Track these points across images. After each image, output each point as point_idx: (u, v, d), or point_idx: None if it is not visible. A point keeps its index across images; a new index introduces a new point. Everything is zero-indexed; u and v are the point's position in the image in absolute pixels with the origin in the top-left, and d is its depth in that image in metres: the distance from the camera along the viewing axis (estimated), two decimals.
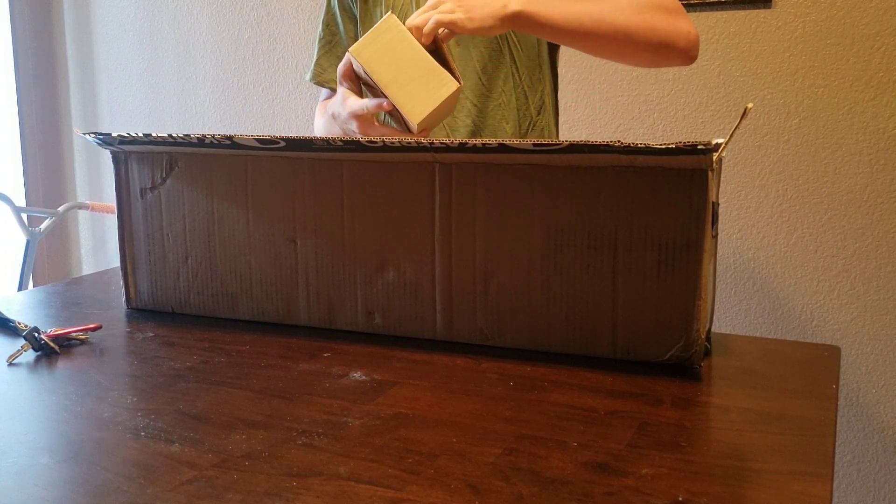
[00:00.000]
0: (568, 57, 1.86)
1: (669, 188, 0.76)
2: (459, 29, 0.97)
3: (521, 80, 1.21)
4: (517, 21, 1.00)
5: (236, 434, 0.64)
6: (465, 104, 1.20)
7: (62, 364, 0.82)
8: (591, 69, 1.91)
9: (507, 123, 1.20)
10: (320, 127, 1.27)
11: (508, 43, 1.20)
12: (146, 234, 1.00)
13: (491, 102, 1.19)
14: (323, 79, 1.31)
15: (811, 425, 0.66)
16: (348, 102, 1.04)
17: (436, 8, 0.98)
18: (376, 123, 1.05)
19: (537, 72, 1.22)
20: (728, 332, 1.38)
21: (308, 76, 1.35)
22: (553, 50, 1.25)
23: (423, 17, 0.97)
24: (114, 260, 2.65)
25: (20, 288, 2.32)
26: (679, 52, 1.10)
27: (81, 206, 2.35)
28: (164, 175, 0.98)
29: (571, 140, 0.77)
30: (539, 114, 1.23)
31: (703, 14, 1.80)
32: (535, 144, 0.78)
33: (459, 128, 1.21)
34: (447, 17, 0.96)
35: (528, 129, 1.23)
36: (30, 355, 0.85)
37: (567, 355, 0.82)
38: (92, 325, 0.92)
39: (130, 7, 2.51)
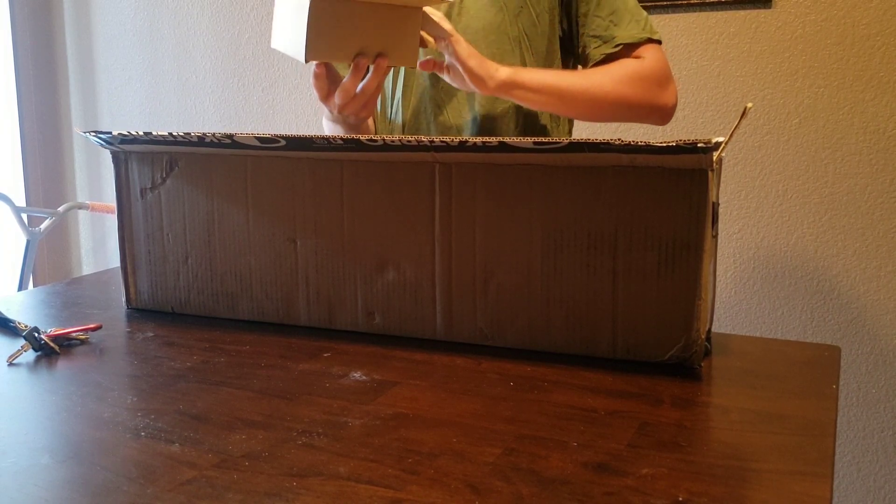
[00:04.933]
0: None
1: (669, 188, 0.76)
2: (465, 83, 1.05)
3: None
4: (503, 88, 1.06)
5: (236, 434, 0.64)
6: (473, 104, 1.20)
7: (62, 364, 0.82)
8: None
9: (516, 128, 1.21)
10: (327, 130, 1.27)
11: (521, 46, 1.19)
12: (146, 234, 1.00)
13: (499, 103, 1.19)
14: None
15: (811, 425, 0.66)
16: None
17: (458, 43, 1.02)
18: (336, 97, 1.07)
19: None
20: (728, 332, 1.38)
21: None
22: (565, 55, 1.25)
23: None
24: (114, 260, 2.65)
25: (20, 288, 2.32)
26: (656, 120, 1.20)
27: (81, 206, 2.35)
28: (164, 175, 0.98)
29: (571, 139, 0.77)
30: (546, 119, 1.23)
31: (703, 14, 1.80)
32: (535, 143, 0.78)
33: (465, 127, 1.21)
34: (468, 65, 1.03)
35: (536, 131, 1.23)
36: (30, 355, 0.85)
37: (567, 355, 0.82)
38: (92, 325, 0.92)
39: (130, 7, 2.51)
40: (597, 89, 1.12)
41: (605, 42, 1.17)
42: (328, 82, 1.04)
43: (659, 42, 1.18)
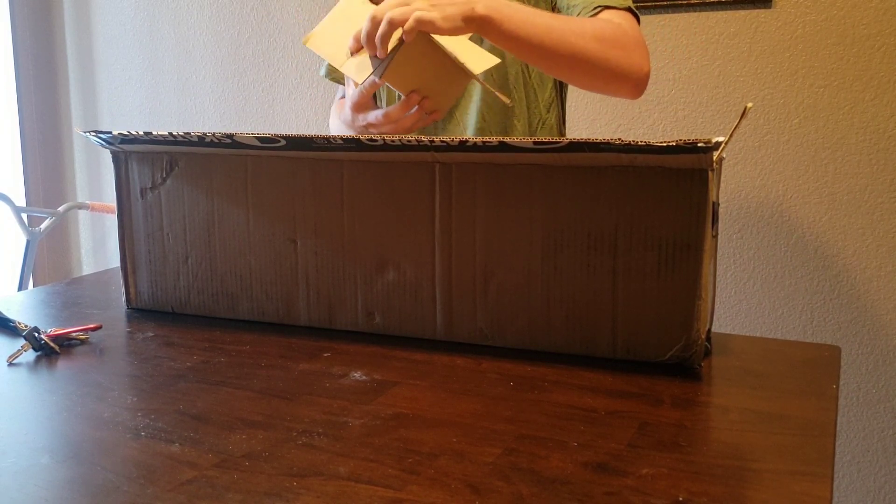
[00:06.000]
0: None
1: (669, 188, 0.76)
2: (434, 29, 0.95)
3: (530, 78, 1.21)
4: (483, 26, 0.99)
5: (236, 434, 0.64)
6: (475, 101, 1.20)
7: (62, 364, 0.82)
8: None
9: (518, 121, 1.21)
10: (335, 129, 1.27)
11: None
12: (146, 234, 1.00)
13: (501, 101, 1.19)
14: (338, 75, 1.30)
15: (811, 425, 0.66)
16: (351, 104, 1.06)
17: (408, 4, 0.95)
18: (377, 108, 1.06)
19: None
20: (728, 332, 1.38)
21: (322, 72, 1.34)
22: None
23: (400, 12, 0.93)
24: (114, 260, 2.65)
25: (20, 288, 2.32)
26: (630, 86, 1.11)
27: (81, 206, 2.35)
28: (164, 175, 0.98)
29: (572, 138, 0.77)
30: (548, 111, 1.23)
31: (703, 14, 1.80)
32: (535, 142, 0.78)
33: (469, 125, 1.21)
34: (426, 16, 0.93)
35: (538, 127, 1.23)
36: (30, 355, 0.85)
37: (567, 355, 0.82)
38: (92, 325, 0.92)
39: (130, 7, 2.51)
40: (580, 43, 1.04)
41: (584, 8, 1.12)
42: (366, 101, 1.05)
43: (637, 18, 1.14)
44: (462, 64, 1.00)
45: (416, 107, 1.02)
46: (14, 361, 0.83)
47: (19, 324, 0.89)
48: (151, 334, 0.92)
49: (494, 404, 0.71)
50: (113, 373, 0.80)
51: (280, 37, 2.31)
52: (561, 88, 1.28)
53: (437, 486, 0.56)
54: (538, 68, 1.13)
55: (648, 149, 0.74)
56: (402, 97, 1.01)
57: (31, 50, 2.60)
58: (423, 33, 0.95)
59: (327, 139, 0.86)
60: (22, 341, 0.85)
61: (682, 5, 1.81)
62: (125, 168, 1.00)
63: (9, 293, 1.64)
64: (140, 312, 1.02)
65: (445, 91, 1.04)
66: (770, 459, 0.60)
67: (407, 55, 0.96)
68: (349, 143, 0.86)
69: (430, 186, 0.85)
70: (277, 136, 0.87)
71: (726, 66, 1.80)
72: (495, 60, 1.04)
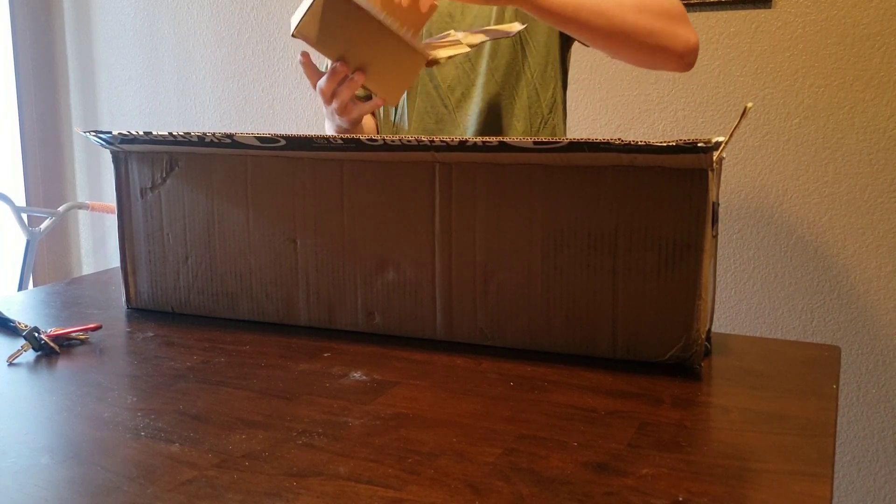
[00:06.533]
0: None
1: (669, 188, 0.76)
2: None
3: (532, 78, 1.21)
4: None
5: (236, 434, 0.64)
6: (476, 102, 1.20)
7: (62, 364, 0.82)
8: (592, 69, 1.91)
9: (519, 122, 1.20)
10: (327, 127, 1.27)
11: (521, 40, 1.20)
12: (146, 234, 1.00)
13: (503, 101, 1.19)
14: None
15: (811, 425, 0.66)
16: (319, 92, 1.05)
17: None
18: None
19: (549, 69, 1.22)
20: (728, 332, 1.38)
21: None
22: (564, 48, 1.25)
23: None
24: (114, 260, 2.65)
25: (20, 288, 2.32)
26: (675, 58, 1.10)
27: (81, 206, 2.35)
28: (164, 175, 0.98)
29: (572, 138, 0.77)
30: (550, 112, 1.23)
31: (703, 14, 1.80)
32: (535, 142, 0.78)
33: (470, 126, 1.21)
34: None
35: (539, 128, 1.22)
36: (30, 355, 0.85)
37: (567, 355, 0.82)
38: (92, 325, 0.92)
39: (130, 7, 2.51)
40: (620, 15, 1.02)
41: None
42: (316, 74, 1.04)
43: None
44: (412, 42, 0.96)
45: (347, 80, 0.99)
46: (14, 361, 0.83)
47: (19, 324, 0.89)
48: (151, 334, 0.92)
49: (494, 404, 0.71)
50: (113, 373, 0.80)
51: (280, 37, 2.31)
52: (564, 88, 1.28)
53: (437, 486, 0.56)
54: (581, 41, 1.10)
55: (648, 149, 0.74)
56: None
57: (31, 50, 2.60)
58: None
59: (327, 139, 0.86)
60: (22, 341, 0.85)
61: None
62: (125, 168, 1.00)
63: (9, 293, 1.64)
64: (140, 312, 1.02)
65: (390, 71, 0.99)
66: (770, 459, 0.60)
67: (328, 13, 0.93)
68: (349, 143, 0.86)
69: (430, 186, 0.85)
70: (277, 136, 0.87)
71: (726, 66, 1.80)
72: (464, 49, 1.03)
